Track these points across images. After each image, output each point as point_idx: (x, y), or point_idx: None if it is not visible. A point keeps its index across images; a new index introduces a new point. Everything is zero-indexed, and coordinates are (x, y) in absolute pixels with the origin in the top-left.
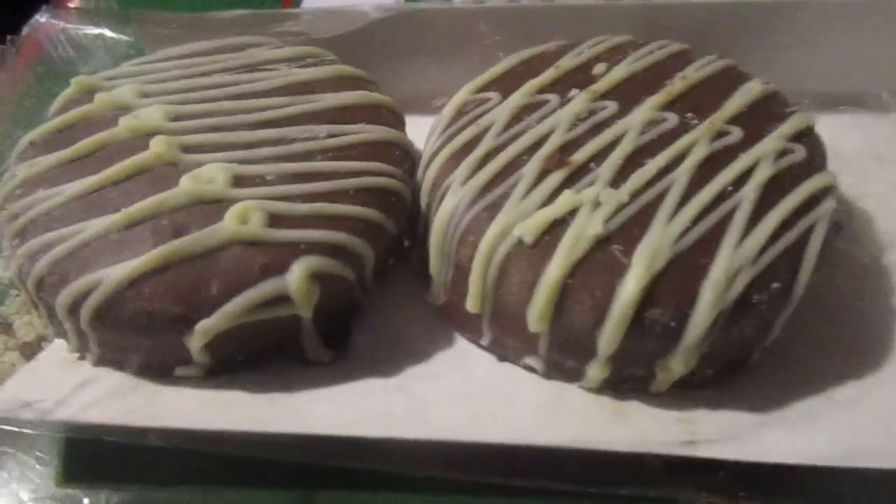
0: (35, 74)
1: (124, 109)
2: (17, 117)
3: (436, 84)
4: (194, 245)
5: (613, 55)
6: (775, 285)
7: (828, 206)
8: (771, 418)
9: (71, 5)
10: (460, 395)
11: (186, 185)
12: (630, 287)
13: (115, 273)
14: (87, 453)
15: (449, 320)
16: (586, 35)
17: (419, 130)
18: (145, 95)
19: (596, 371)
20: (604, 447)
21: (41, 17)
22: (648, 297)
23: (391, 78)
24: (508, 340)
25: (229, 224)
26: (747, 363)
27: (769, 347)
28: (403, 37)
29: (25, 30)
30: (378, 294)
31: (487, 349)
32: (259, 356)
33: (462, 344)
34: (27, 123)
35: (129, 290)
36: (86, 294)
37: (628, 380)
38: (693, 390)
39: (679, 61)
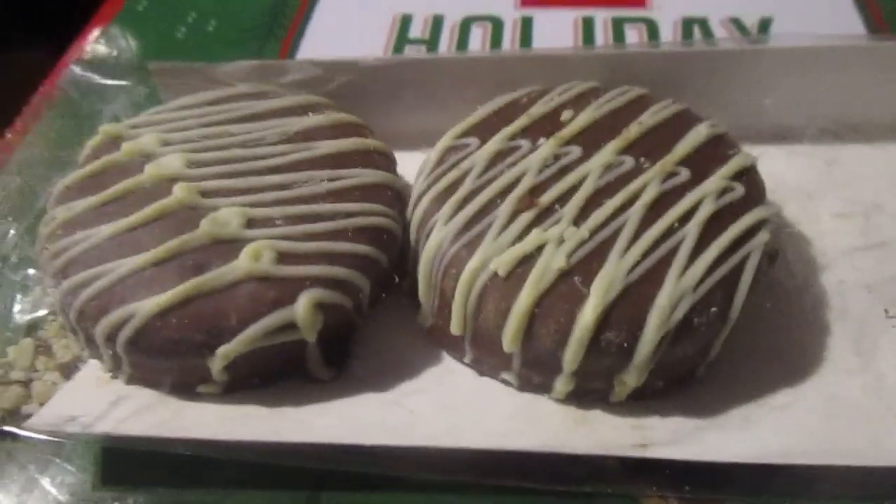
0: (62, 123)
1: (147, 157)
2: (52, 162)
3: (425, 124)
4: (214, 281)
5: (579, 102)
6: (713, 310)
7: (761, 238)
8: (714, 423)
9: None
10: (445, 407)
11: (206, 227)
12: (588, 314)
13: (146, 306)
14: (119, 461)
15: (436, 341)
16: (560, 80)
17: (411, 164)
18: (166, 143)
19: (562, 385)
20: (567, 450)
21: (71, 69)
22: (604, 322)
23: (384, 119)
24: (487, 359)
25: (244, 262)
26: (693, 376)
27: (712, 363)
28: (395, 84)
29: (55, 82)
30: (374, 319)
31: (469, 366)
32: (270, 375)
33: (447, 361)
34: (58, 168)
35: (159, 321)
36: (121, 324)
37: (590, 392)
38: (646, 400)
39: (637, 107)
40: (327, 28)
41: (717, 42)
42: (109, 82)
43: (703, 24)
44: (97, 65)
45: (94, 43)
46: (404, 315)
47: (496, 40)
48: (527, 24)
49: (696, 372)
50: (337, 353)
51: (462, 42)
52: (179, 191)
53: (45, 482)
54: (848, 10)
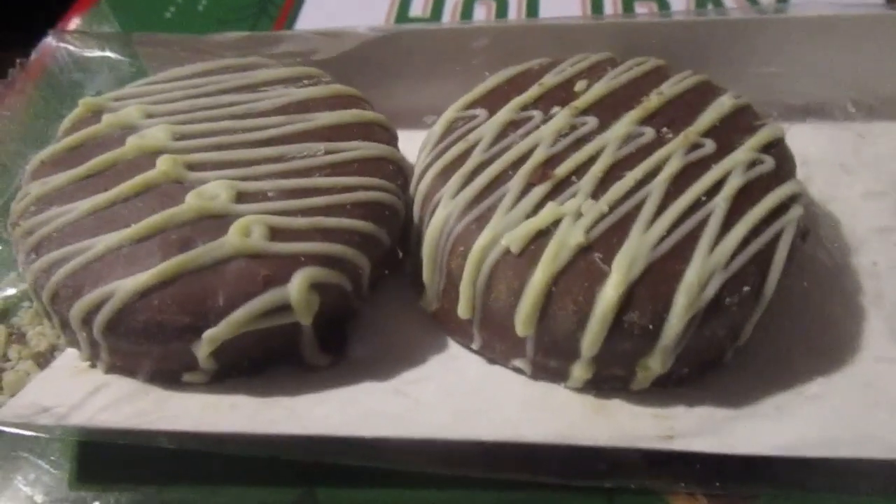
0: (42, 96)
1: (131, 129)
2: (27, 137)
3: (427, 100)
4: (201, 258)
5: (594, 72)
6: (746, 289)
7: (794, 213)
8: (743, 413)
9: (71, 26)
10: (450, 396)
11: (192, 201)
12: (609, 293)
13: (126, 285)
14: (98, 457)
15: (441, 326)
16: (569, 52)
17: (412, 144)
18: (150, 116)
19: (579, 371)
20: (585, 442)
21: (49, 41)
22: (627, 301)
23: (384, 95)
24: (497, 344)
25: (233, 238)
26: (721, 362)
27: (742, 347)
28: (394, 56)
29: (34, 54)
30: (374, 302)
31: (478, 353)
32: (262, 362)
33: (454, 348)
34: (37, 143)
35: (140, 301)
36: (99, 305)
37: (610, 379)
38: (671, 388)
39: (655, 77)
40: (322, 8)
41: (731, 13)
42: (91, 54)
43: None
44: (77, 35)
45: (81, 21)
46: (407, 298)
47: (501, 17)
48: (533, 2)
49: (724, 357)
50: (334, 338)
51: (465, 20)
52: (163, 163)
53: (18, 480)
54: None
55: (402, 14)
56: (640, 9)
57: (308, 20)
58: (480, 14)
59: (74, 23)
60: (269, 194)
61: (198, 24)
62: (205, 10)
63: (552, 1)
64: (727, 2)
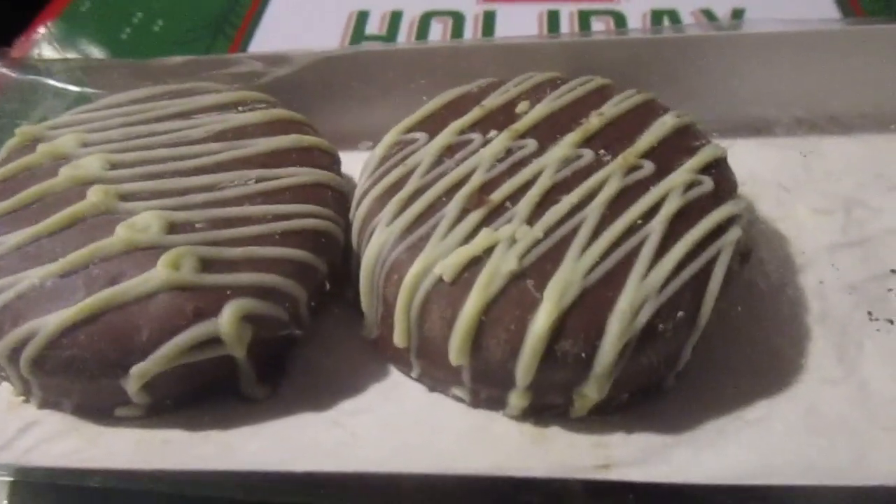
0: None
1: (65, 159)
2: None
3: (378, 120)
4: (128, 292)
5: (536, 93)
6: (680, 314)
7: (732, 235)
8: (683, 440)
9: (22, 50)
10: (390, 427)
11: (121, 233)
12: (541, 321)
13: (49, 322)
14: (33, 494)
15: (381, 354)
16: (523, 71)
17: (358, 166)
18: (86, 145)
19: (516, 400)
20: (521, 473)
21: None
22: (559, 329)
23: (331, 117)
24: (435, 372)
25: (161, 271)
26: (662, 388)
27: (682, 372)
28: (343, 77)
29: None
30: (316, 329)
31: (418, 381)
32: (197, 394)
33: (395, 376)
34: None
35: (65, 338)
36: (23, 343)
37: (549, 407)
38: (611, 415)
39: (598, 97)
40: (279, 27)
41: (686, 29)
42: (36, 79)
43: (673, 15)
44: (20, 61)
45: (34, 43)
46: (349, 326)
47: (457, 36)
48: (489, 19)
49: (663, 383)
50: (272, 369)
51: (421, 38)
52: (94, 194)
53: None
54: (825, 3)
55: (359, 32)
56: (596, 24)
57: (264, 39)
58: (437, 31)
59: (26, 45)
60: (200, 225)
61: (154, 45)
62: (161, 31)
63: (509, 17)
64: (685, 17)
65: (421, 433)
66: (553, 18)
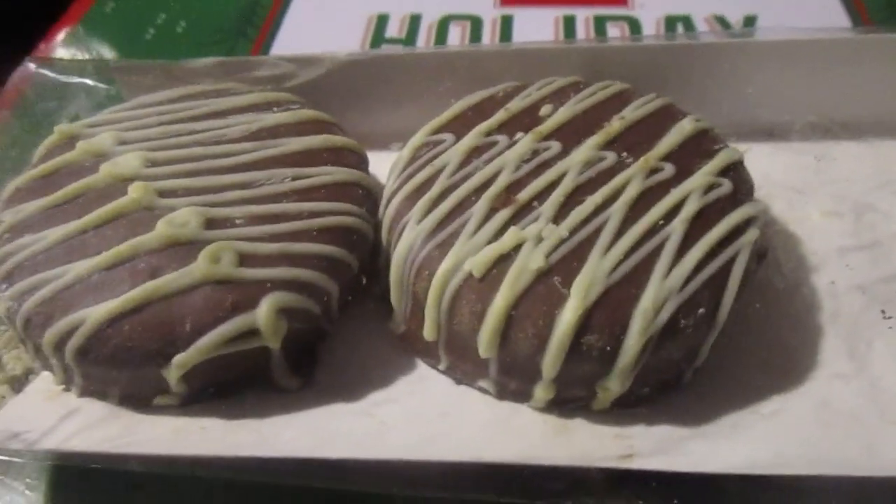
0: (18, 123)
1: (104, 156)
2: (1, 165)
3: (403, 122)
4: (169, 284)
5: (559, 97)
6: (700, 311)
7: (750, 235)
8: (701, 432)
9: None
10: (417, 417)
11: (162, 228)
12: (567, 316)
13: (96, 312)
14: (74, 480)
15: (409, 348)
16: (540, 76)
17: (385, 164)
18: (123, 143)
19: (541, 392)
20: (545, 462)
21: (25, 67)
22: (585, 324)
23: (358, 118)
24: (462, 365)
25: (202, 264)
26: (680, 382)
27: (700, 367)
28: (369, 80)
29: (10, 81)
30: (344, 324)
31: (444, 374)
32: (232, 385)
33: (422, 369)
34: (12, 171)
35: (110, 328)
36: (70, 332)
37: (572, 399)
38: (631, 408)
39: (618, 101)
40: (300, 29)
41: (701, 36)
42: (68, 80)
43: (687, 21)
44: (54, 61)
45: (59, 44)
46: (377, 320)
47: (475, 39)
48: (506, 23)
49: (682, 377)
50: (304, 361)
51: (440, 41)
52: (135, 190)
53: None
54: (835, 9)
55: (378, 35)
56: (611, 30)
57: (285, 42)
58: (455, 34)
59: (52, 46)
60: (239, 221)
61: (177, 46)
62: (184, 32)
63: (526, 21)
64: (698, 24)
65: (447, 423)
66: (569, 23)
